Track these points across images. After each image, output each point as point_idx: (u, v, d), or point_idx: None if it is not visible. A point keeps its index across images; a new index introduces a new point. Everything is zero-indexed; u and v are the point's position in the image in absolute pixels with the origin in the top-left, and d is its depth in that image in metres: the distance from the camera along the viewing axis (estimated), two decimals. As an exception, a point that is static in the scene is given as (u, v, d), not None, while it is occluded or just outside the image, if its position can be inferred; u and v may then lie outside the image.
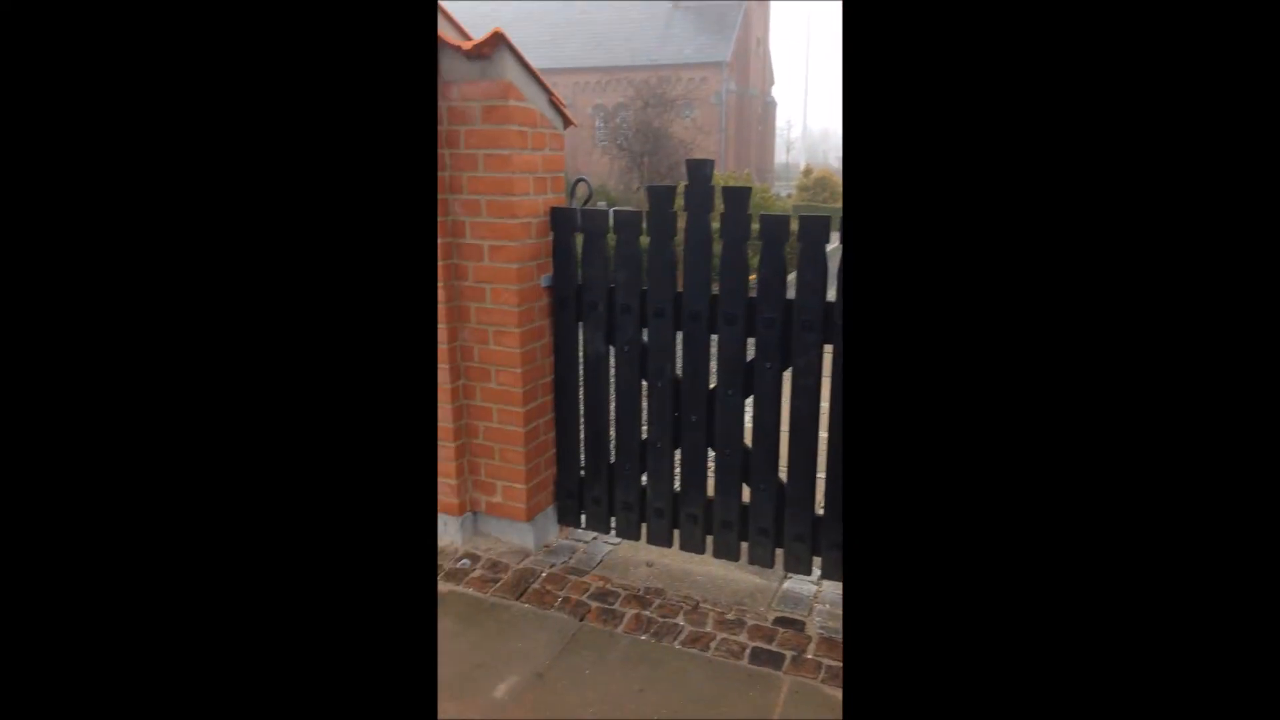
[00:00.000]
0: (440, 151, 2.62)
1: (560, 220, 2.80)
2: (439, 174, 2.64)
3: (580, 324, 2.87)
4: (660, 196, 2.61)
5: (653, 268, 2.63)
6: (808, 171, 24.05)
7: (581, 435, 2.99)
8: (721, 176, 11.92)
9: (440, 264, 2.69)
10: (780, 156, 44.99)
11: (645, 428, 2.84)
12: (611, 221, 2.69)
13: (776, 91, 37.63)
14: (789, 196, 19.10)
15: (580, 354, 2.91)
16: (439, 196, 2.64)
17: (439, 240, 2.67)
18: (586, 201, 2.86)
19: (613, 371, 2.86)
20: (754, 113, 32.51)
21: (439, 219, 2.66)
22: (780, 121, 41.67)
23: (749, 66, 31.28)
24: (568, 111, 2.80)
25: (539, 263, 2.78)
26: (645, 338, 2.74)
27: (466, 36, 2.69)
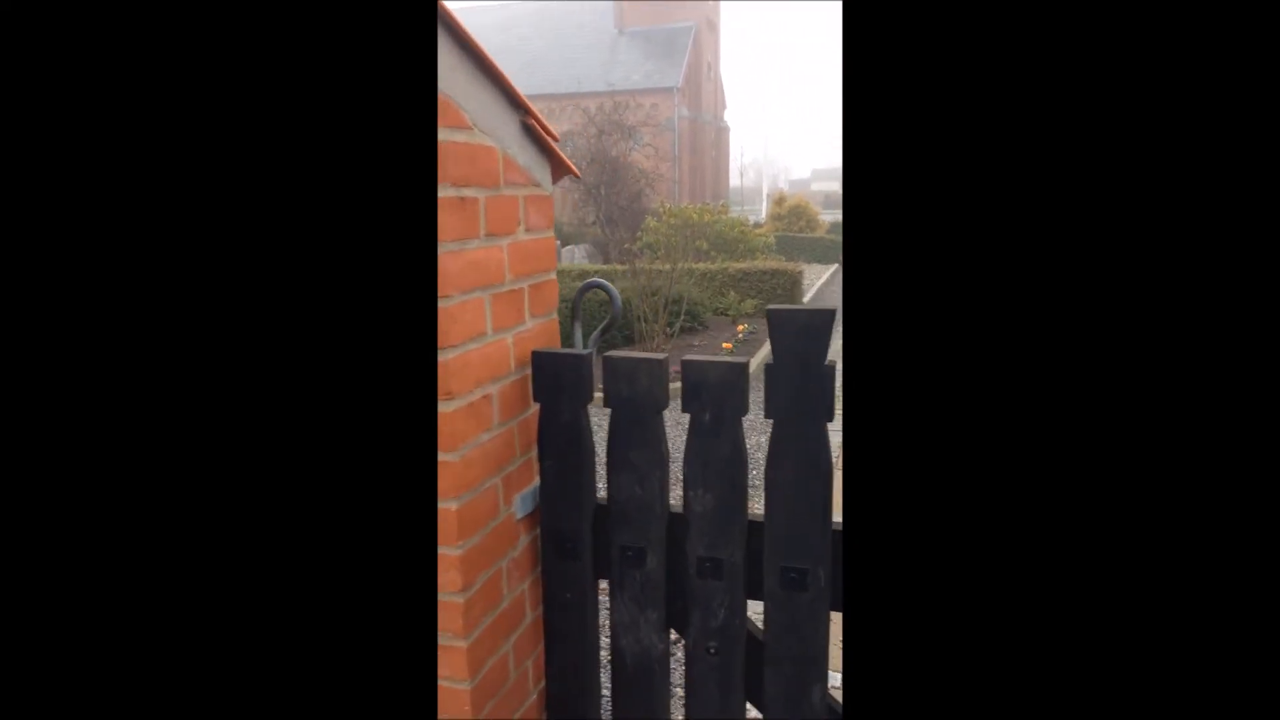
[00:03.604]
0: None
1: (550, 376, 1.31)
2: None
3: (609, 589, 1.40)
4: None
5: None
6: (780, 199, 22.65)
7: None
8: (688, 208, 10.58)
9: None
10: (734, 181, 44.21)
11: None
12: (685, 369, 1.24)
13: (729, 116, 37.07)
14: (757, 226, 17.80)
15: (605, 651, 1.46)
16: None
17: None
18: (608, 330, 1.39)
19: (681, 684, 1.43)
20: (707, 138, 31.73)
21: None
22: (733, 147, 40.84)
23: (701, 92, 30.61)
24: (559, 149, 1.32)
25: (506, 473, 1.28)
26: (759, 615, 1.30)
27: None
